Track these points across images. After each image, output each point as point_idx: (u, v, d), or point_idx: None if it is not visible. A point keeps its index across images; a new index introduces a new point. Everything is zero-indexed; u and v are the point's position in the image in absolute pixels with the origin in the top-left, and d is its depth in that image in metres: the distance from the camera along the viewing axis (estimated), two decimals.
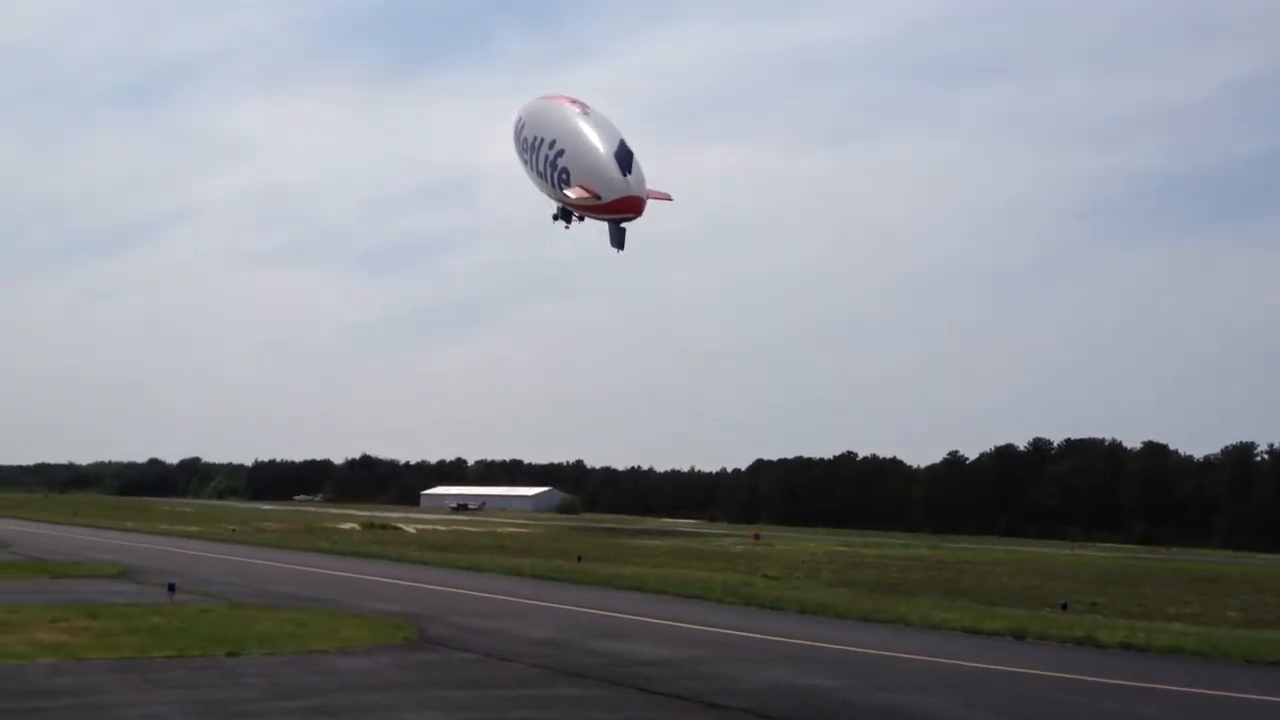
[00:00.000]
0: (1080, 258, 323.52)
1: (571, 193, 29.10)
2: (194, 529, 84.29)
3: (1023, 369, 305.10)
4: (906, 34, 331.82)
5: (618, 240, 29.78)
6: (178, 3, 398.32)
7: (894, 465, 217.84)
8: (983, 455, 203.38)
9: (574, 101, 30.90)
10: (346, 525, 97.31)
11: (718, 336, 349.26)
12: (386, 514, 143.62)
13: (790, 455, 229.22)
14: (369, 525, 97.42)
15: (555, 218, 31.01)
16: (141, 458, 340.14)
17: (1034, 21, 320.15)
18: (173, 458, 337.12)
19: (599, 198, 28.82)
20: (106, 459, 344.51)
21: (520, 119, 31.98)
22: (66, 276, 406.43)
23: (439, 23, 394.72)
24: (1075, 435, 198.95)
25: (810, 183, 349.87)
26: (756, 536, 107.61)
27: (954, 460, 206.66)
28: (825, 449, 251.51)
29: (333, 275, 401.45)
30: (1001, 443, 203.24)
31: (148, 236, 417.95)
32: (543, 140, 30.38)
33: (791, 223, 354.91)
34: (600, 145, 29.22)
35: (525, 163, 31.59)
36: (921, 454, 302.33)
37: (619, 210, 29.10)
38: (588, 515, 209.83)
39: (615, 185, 28.68)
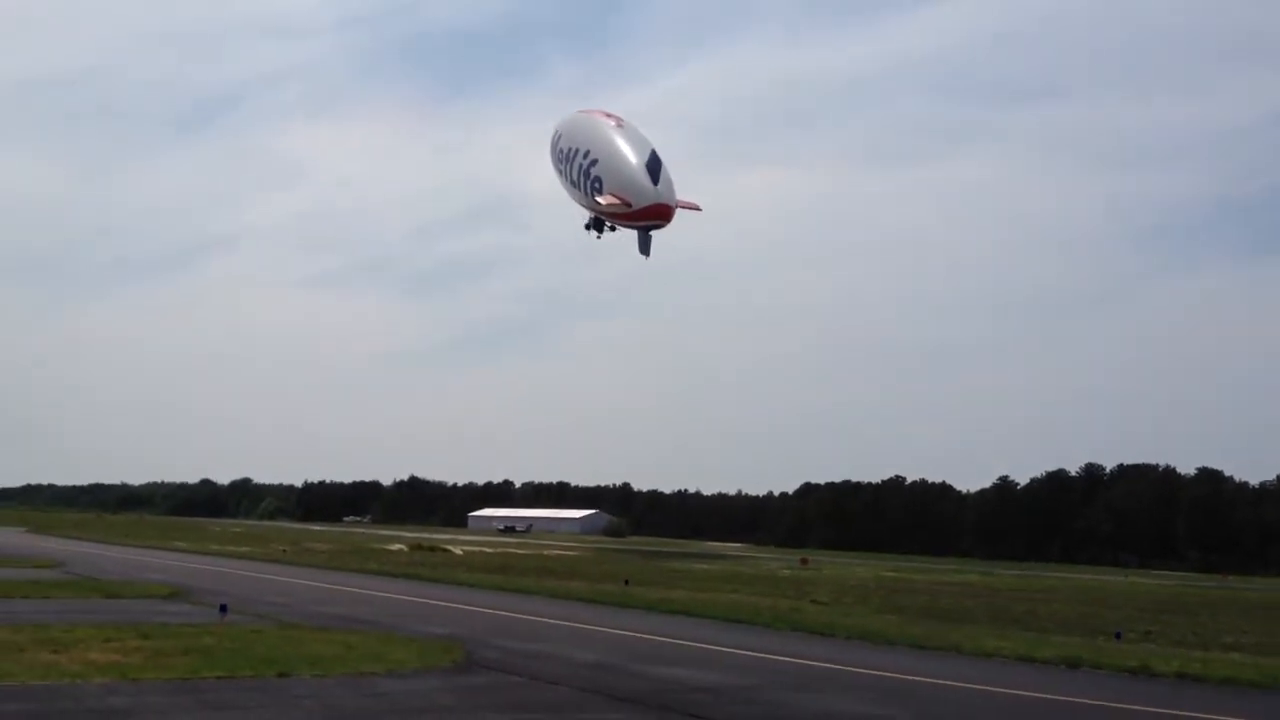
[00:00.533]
0: (1133, 281, 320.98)
1: (603, 200, 30.11)
2: (244, 549, 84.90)
3: (1074, 393, 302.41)
4: (954, 56, 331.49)
5: (645, 248, 30.85)
6: (228, 30, 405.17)
7: (944, 490, 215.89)
8: (1034, 480, 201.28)
9: (609, 116, 32.15)
10: (395, 547, 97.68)
11: (765, 358, 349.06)
12: (434, 536, 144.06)
13: (838, 479, 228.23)
14: (417, 547, 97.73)
15: (588, 227, 32.19)
16: (193, 478, 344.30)
17: (1084, 43, 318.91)
18: (224, 478, 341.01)
19: (629, 205, 29.89)
20: (159, 479, 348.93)
21: (557, 131, 33.14)
22: (119, 299, 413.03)
23: (485, 48, 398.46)
24: (1128, 461, 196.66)
25: (857, 204, 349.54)
26: (804, 561, 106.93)
27: (1004, 485, 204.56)
28: (874, 473, 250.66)
29: (382, 297, 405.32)
30: (1053, 468, 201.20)
31: (199, 260, 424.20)
32: (577, 151, 31.56)
33: (839, 244, 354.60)
34: (632, 156, 30.27)
35: (560, 172, 32.82)
36: (971, 479, 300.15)
37: (648, 217, 30.19)
38: (634, 538, 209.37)
39: (645, 193, 29.71)
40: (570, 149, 32.14)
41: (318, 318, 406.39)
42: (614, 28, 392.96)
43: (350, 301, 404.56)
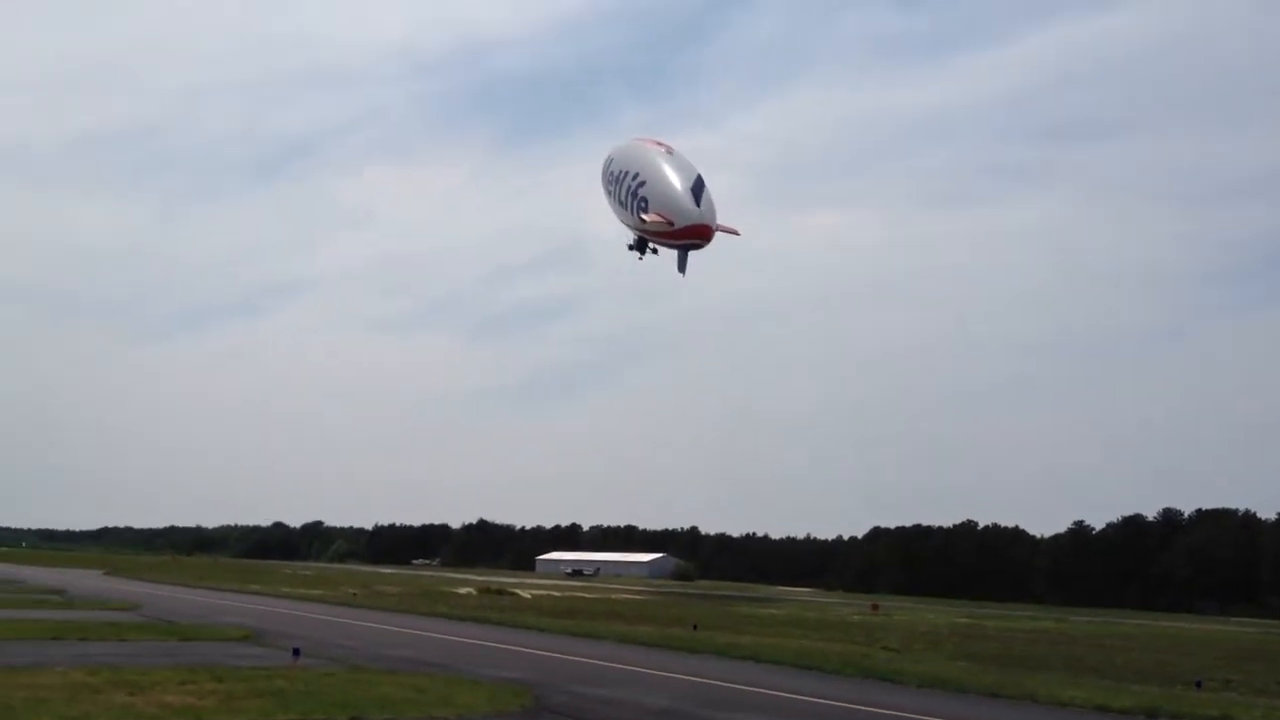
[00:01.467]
0: (1209, 320, 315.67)
1: (648, 218, 32.04)
2: (316, 592, 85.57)
3: (1149, 435, 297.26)
4: (1012, 97, 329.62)
5: (683, 266, 32.55)
6: (300, 79, 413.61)
7: (1016, 534, 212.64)
8: (1109, 525, 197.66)
9: (659, 143, 34.13)
10: (463, 590, 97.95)
11: (832, 400, 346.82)
12: (503, 579, 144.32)
13: (908, 523, 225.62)
14: (485, 590, 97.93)
15: (631, 247, 34.08)
16: (266, 521, 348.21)
17: (1155, 79, 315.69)
18: (295, 521, 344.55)
19: (672, 224, 31.71)
20: (232, 522, 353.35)
21: (610, 156, 35.18)
22: (193, 344, 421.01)
23: (553, 93, 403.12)
24: (1206, 505, 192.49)
25: (920, 245, 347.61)
26: (875, 607, 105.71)
27: (1079, 530, 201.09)
28: (945, 517, 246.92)
29: (451, 341, 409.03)
30: (1129, 512, 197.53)
31: (271, 304, 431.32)
32: (626, 173, 33.48)
33: (904, 285, 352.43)
34: (677, 179, 32.16)
35: (609, 193, 34.77)
36: (1045, 523, 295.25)
37: (689, 236, 31.98)
38: (702, 582, 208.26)
39: (688, 213, 31.56)
40: (620, 171, 33.89)
41: (387, 361, 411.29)
42: (680, 72, 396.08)
43: (419, 345, 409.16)
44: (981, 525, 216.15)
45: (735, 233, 33.43)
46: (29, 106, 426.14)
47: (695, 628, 53.39)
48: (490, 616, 58.26)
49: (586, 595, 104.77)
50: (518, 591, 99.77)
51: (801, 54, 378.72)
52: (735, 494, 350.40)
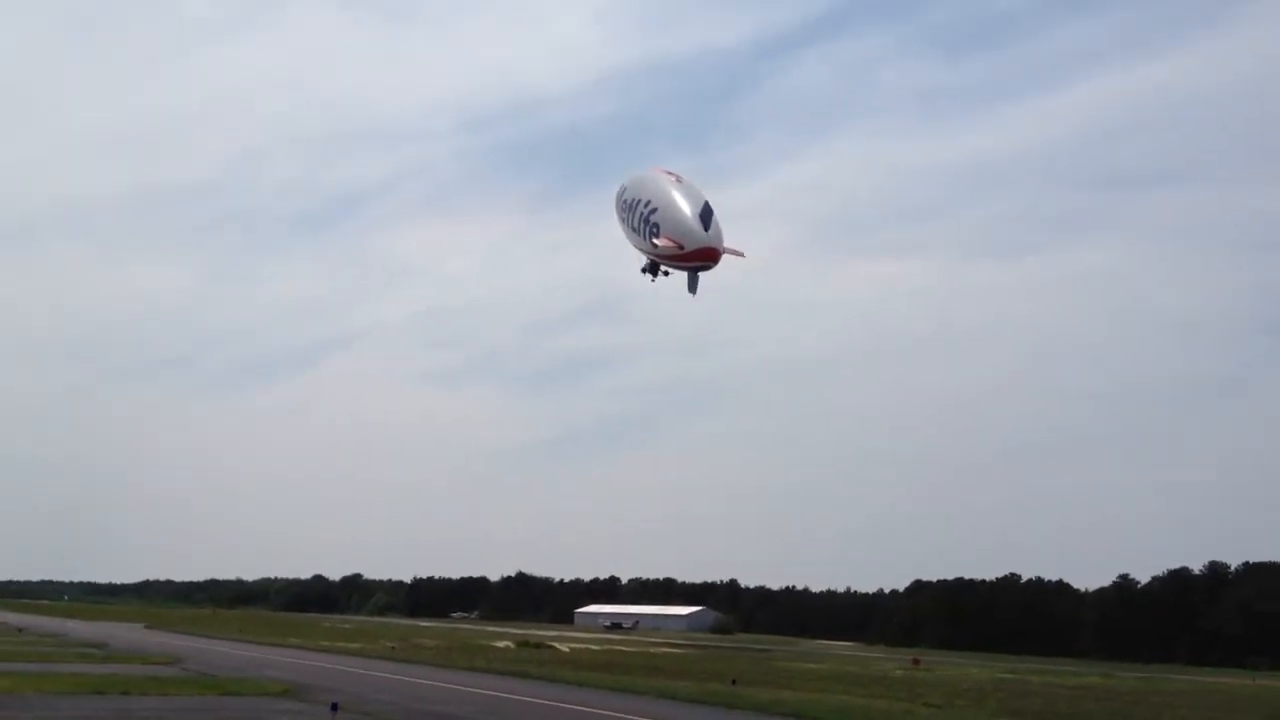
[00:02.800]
0: (1262, 370, 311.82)
1: (659, 241, 34.62)
2: (355, 645, 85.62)
3: (1195, 487, 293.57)
4: (1067, 144, 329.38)
5: (693, 287, 34.99)
6: (349, 136, 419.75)
7: (1061, 588, 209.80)
8: (1155, 578, 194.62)
9: (669, 173, 36.57)
10: (502, 643, 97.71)
11: (875, 451, 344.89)
12: (541, 632, 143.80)
13: (950, 576, 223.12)
14: (524, 643, 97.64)
15: (644, 270, 36.41)
16: (305, 573, 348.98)
17: (1210, 127, 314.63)
18: (335, 573, 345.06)
19: (682, 247, 34.31)
20: (272, 575, 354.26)
21: (623, 186, 37.20)
22: (241, 398, 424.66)
23: (597, 147, 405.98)
24: (1255, 558, 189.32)
25: (975, 297, 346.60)
26: (917, 661, 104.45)
27: (1124, 583, 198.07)
28: (987, 570, 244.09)
29: (492, 393, 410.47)
30: (1175, 565, 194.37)
31: (319, 359, 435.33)
32: (639, 200, 35.87)
33: (954, 338, 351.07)
34: (686, 205, 34.60)
35: (623, 220, 36.97)
36: (1089, 577, 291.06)
37: (698, 259, 34.59)
38: (742, 635, 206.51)
39: (696, 237, 34.24)
40: (634, 199, 36.28)
41: (429, 415, 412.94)
42: (724, 124, 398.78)
43: (462, 398, 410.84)
44: (1025, 578, 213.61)
45: (740, 254, 35.53)
46: (88, 166, 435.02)
47: (734, 683, 52.99)
48: (529, 670, 58.05)
49: (625, 649, 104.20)
50: (556, 645, 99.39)
51: (847, 106, 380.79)
52: (775, 546, 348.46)
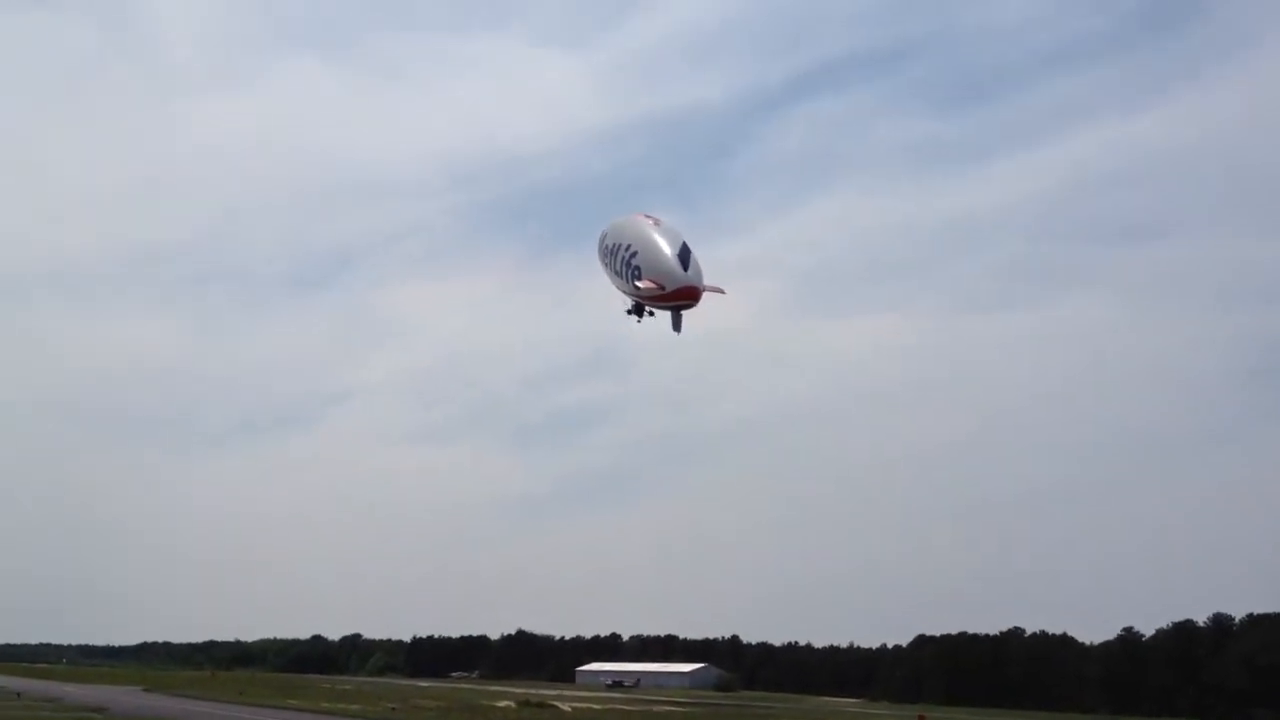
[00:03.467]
0: (1253, 421, 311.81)
1: (641, 284, 36.07)
2: (355, 707, 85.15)
3: (1198, 539, 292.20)
4: (1051, 198, 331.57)
5: (677, 325, 36.26)
6: (342, 192, 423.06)
7: (1065, 641, 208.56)
8: (1159, 631, 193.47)
9: (648, 217, 37.84)
10: (503, 703, 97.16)
11: (872, 505, 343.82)
12: (543, 691, 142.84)
13: (954, 630, 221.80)
14: (525, 703, 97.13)
15: (629, 312, 37.78)
16: (304, 633, 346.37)
17: (1190, 180, 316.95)
18: (334, 632, 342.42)
19: (663, 288, 35.85)
20: (271, 635, 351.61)
21: (604, 232, 38.77)
22: (230, 457, 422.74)
23: (589, 203, 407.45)
24: (1259, 610, 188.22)
25: (964, 350, 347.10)
26: (921, 718, 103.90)
27: (1129, 636, 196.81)
28: (991, 624, 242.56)
29: (488, 449, 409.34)
30: (1179, 618, 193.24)
31: (310, 417, 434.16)
32: (620, 245, 37.33)
33: (943, 390, 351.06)
34: (666, 247, 36.06)
35: (606, 265, 38.49)
36: (1093, 630, 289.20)
37: (679, 298, 35.81)
38: (745, 693, 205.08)
39: (676, 277, 35.66)
40: (615, 244, 37.77)
41: (425, 471, 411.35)
42: (713, 181, 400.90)
43: (457, 454, 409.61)
44: (1029, 632, 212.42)
45: (721, 291, 36.86)
46: (78, 225, 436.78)
47: None
48: None
49: (627, 708, 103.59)
50: (558, 705, 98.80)
51: (835, 162, 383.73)
52: (776, 601, 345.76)
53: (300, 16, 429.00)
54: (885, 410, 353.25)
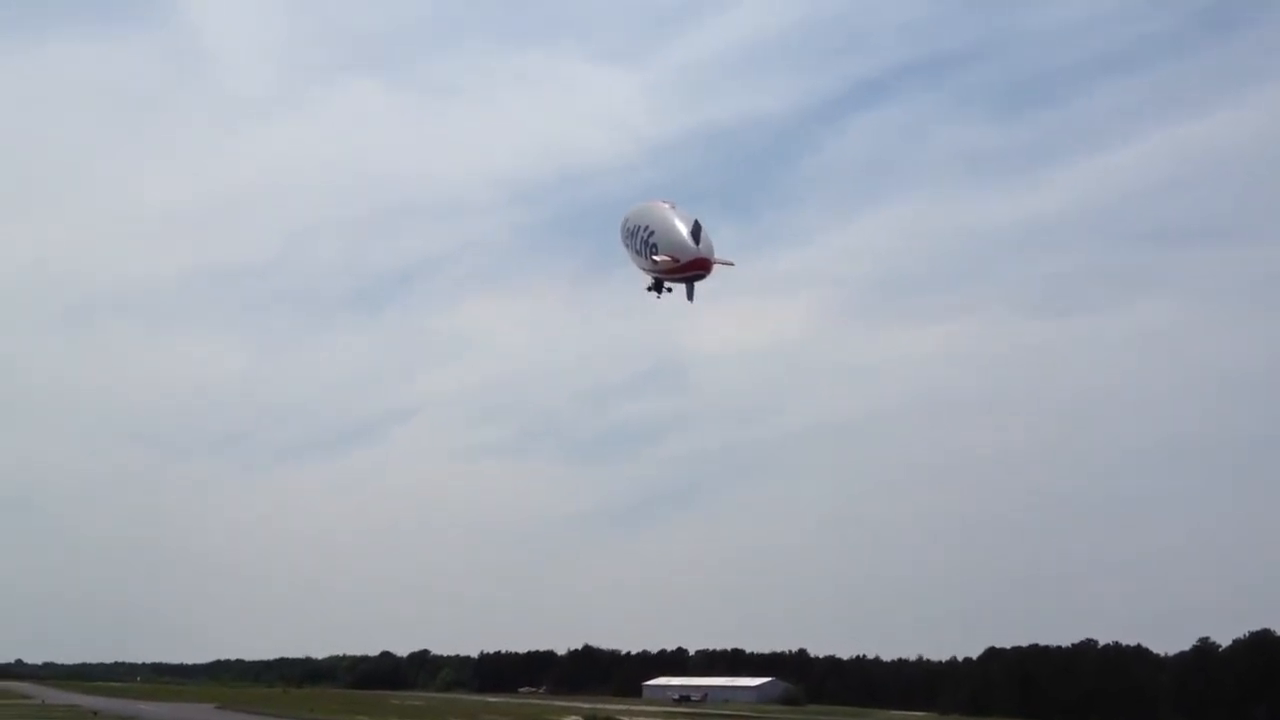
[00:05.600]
0: None
1: (658, 258, 41.63)
2: None
3: (1275, 546, 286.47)
4: (1124, 202, 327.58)
5: (690, 294, 41.68)
6: (402, 212, 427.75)
7: (1138, 653, 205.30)
8: (1236, 641, 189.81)
9: (665, 202, 43.98)
10: (570, 718, 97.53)
11: (940, 515, 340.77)
12: (609, 706, 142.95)
13: (1024, 643, 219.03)
14: (592, 718, 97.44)
15: (649, 289, 43.23)
16: (374, 650, 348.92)
17: (1258, 181, 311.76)
18: (402, 648, 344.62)
19: (677, 261, 41.24)
20: (340, 652, 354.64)
21: (627, 216, 44.67)
22: (298, 475, 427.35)
23: None
24: None
25: (1032, 357, 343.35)
26: None
27: (1204, 647, 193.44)
28: (1062, 636, 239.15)
29: (551, 464, 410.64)
30: (1256, 627, 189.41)
31: (376, 433, 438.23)
32: (640, 227, 43.09)
33: (1013, 398, 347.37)
34: (680, 226, 41.67)
35: (627, 246, 44.32)
36: (1168, 641, 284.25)
37: (693, 269, 41.21)
38: (812, 707, 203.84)
39: (689, 250, 41.12)
40: (636, 226, 43.46)
41: (491, 486, 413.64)
42: (773, 191, 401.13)
43: (521, 469, 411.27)
44: (1102, 643, 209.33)
45: (730, 264, 41.86)
46: (144, 248, 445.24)
47: None
48: None
49: None
50: (624, 719, 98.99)
51: (894, 170, 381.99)
52: (845, 614, 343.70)
53: (359, 40, 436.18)
54: (951, 419, 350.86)
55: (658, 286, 42.70)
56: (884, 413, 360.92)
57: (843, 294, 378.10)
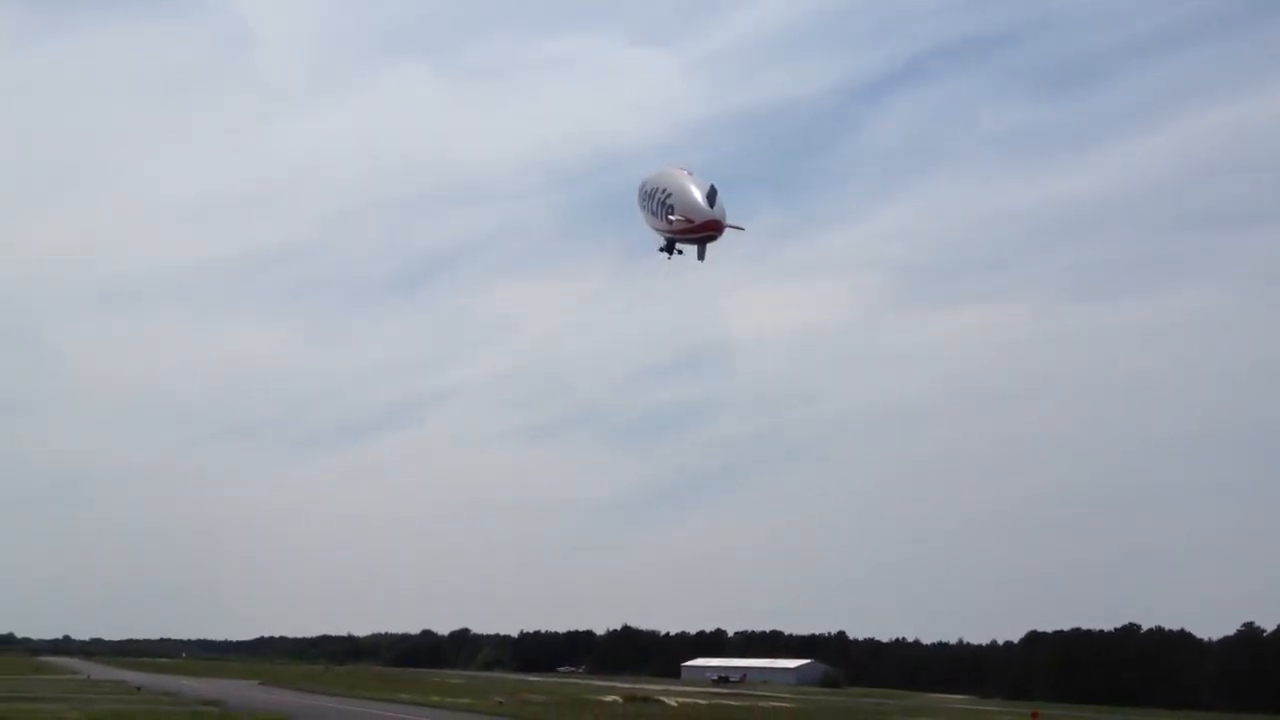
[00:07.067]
0: None
1: (674, 218, 43.77)
2: (464, 701, 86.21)
3: None
4: (1158, 186, 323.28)
5: (702, 255, 44.40)
6: (441, 195, 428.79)
7: (1183, 637, 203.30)
8: None
9: (681, 168, 45.94)
10: (609, 698, 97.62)
11: (982, 502, 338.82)
12: (648, 686, 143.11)
13: (1067, 627, 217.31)
14: (631, 698, 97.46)
15: (661, 249, 45.75)
16: (415, 629, 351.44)
17: None
18: (442, 627, 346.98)
19: (691, 222, 43.49)
20: (382, 630, 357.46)
21: (644, 180, 46.73)
22: (341, 456, 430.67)
23: None
24: None
25: (1075, 341, 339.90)
26: (1035, 716, 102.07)
27: (1250, 631, 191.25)
28: (1105, 620, 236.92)
29: (592, 446, 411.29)
30: None
31: (418, 415, 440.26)
32: (658, 190, 45.10)
33: (1055, 383, 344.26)
34: (695, 189, 43.73)
35: (644, 208, 46.23)
36: (1213, 625, 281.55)
37: (705, 230, 43.54)
38: (852, 689, 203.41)
39: (702, 212, 43.26)
40: (653, 189, 45.40)
41: (531, 468, 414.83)
42: (812, 172, 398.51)
43: (561, 452, 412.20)
44: (1145, 628, 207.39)
45: (740, 229, 44.26)
46: (185, 233, 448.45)
47: None
48: None
49: (732, 703, 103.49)
50: (664, 700, 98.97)
51: (935, 151, 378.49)
52: (884, 597, 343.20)
53: (400, 24, 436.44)
54: (991, 402, 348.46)
55: (670, 247, 45.09)
56: (924, 395, 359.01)
57: (883, 277, 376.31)
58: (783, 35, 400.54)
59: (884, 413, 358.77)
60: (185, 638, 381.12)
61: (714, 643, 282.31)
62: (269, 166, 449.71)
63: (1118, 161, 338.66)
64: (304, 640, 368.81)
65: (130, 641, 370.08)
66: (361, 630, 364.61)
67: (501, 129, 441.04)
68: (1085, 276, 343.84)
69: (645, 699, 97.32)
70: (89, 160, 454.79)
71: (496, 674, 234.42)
